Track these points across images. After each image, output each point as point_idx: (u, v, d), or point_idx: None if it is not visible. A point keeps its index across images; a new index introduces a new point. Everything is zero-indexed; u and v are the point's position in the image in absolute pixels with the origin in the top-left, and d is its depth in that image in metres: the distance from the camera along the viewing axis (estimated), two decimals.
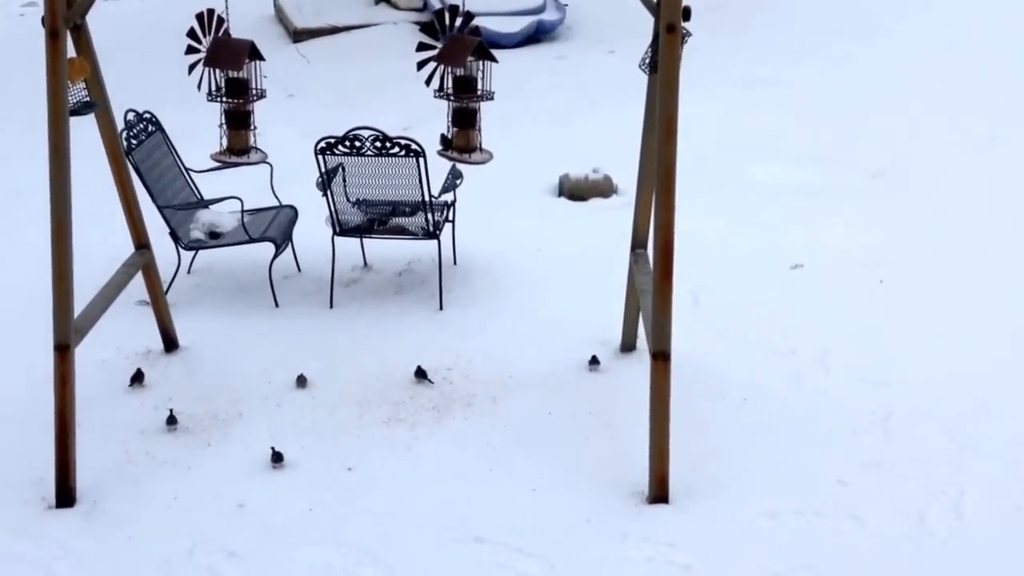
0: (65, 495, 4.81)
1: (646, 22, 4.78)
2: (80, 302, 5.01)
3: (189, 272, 7.11)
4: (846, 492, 4.79)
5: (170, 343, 6.19)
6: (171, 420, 5.38)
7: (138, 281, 5.86)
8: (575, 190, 8.55)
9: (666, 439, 4.65)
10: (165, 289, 6.23)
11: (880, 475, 4.92)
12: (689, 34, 4.62)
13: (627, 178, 6.97)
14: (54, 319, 4.78)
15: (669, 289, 4.61)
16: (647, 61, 5.06)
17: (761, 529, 4.56)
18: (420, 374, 5.78)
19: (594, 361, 5.88)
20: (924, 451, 5.08)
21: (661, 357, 4.63)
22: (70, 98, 4.87)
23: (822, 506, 4.69)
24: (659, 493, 4.71)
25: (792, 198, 8.25)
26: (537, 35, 13.58)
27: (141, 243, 5.86)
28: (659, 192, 4.56)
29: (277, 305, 6.75)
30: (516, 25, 13.32)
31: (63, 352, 4.78)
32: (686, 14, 4.38)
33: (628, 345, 6.04)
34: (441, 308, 6.67)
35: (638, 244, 5.68)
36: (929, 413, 5.41)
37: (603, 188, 8.54)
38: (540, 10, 13.86)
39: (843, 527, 4.57)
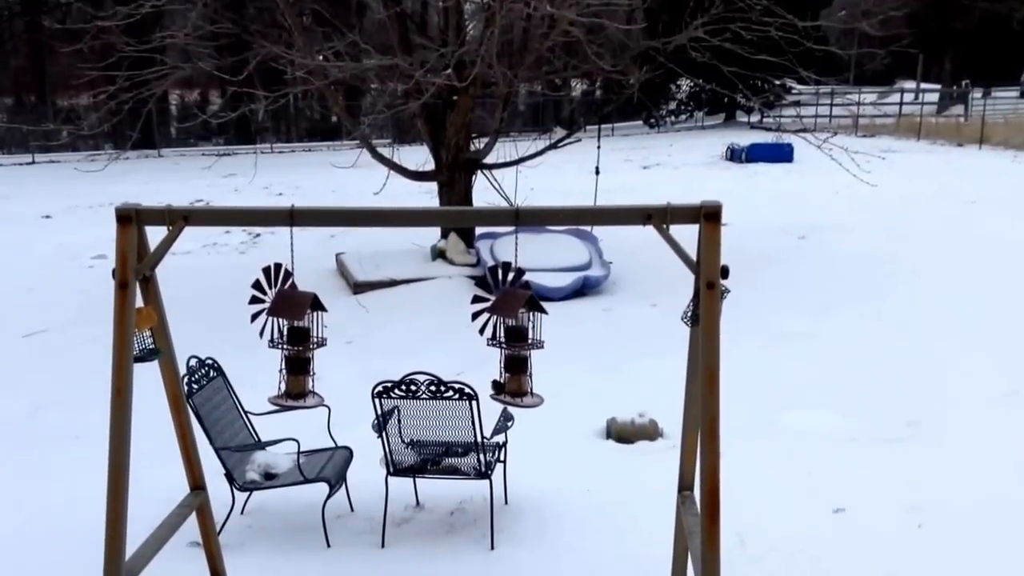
0: None
1: (685, 279, 5.05)
2: (132, 543, 5.02)
3: (243, 513, 7.22)
4: None
5: None
6: None
7: (191, 522, 5.89)
8: (622, 433, 8.69)
9: None
10: (218, 530, 6.29)
11: None
12: (728, 290, 4.88)
13: (672, 422, 7.12)
14: (105, 564, 4.76)
15: (717, 532, 4.66)
16: (689, 314, 5.30)
17: None
18: None
19: None
20: None
21: None
22: (136, 345, 4.98)
23: None
24: None
25: (828, 445, 8.36)
26: (584, 289, 14.19)
27: (197, 484, 5.93)
28: (704, 438, 4.70)
29: (329, 545, 6.78)
30: (564, 280, 13.97)
31: None
32: (724, 272, 4.68)
33: None
34: (492, 548, 6.70)
35: (684, 487, 5.77)
36: None
37: (649, 432, 8.66)
38: (586, 267, 14.60)
39: None
